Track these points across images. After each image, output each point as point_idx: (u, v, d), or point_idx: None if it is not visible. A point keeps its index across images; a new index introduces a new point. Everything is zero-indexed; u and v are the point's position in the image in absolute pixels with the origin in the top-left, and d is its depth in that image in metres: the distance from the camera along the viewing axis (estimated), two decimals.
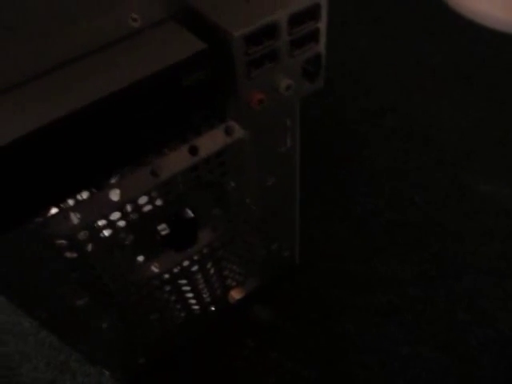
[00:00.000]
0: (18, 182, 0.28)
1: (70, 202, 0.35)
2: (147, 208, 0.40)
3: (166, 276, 0.49)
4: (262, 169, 0.48)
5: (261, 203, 0.52)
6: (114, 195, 0.37)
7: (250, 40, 0.30)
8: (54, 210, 0.35)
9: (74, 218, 0.36)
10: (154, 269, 0.47)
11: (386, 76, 0.96)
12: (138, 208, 0.39)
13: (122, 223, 0.39)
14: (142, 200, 0.39)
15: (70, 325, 0.45)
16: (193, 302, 0.57)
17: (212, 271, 0.55)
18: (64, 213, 0.35)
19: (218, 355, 0.63)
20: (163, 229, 0.44)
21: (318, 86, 0.37)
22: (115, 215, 0.38)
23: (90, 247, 0.39)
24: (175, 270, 0.49)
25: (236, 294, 0.65)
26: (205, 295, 0.58)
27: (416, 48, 1.01)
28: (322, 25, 0.33)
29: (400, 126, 0.88)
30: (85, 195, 0.36)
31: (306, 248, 0.70)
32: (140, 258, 0.45)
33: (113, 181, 0.36)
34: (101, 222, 0.38)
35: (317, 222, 0.74)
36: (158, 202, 0.41)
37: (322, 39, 0.34)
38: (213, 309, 0.61)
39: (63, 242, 0.37)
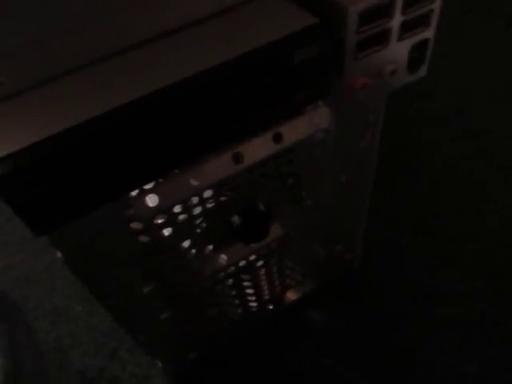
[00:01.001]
0: (102, 161, 0.26)
1: (150, 184, 0.34)
2: (224, 196, 0.38)
3: (232, 269, 0.47)
4: (338, 163, 0.45)
5: (332, 201, 0.49)
6: (194, 180, 0.35)
7: (363, 17, 0.27)
8: (134, 192, 0.33)
9: (153, 201, 0.34)
10: (222, 260, 0.45)
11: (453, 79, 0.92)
12: (215, 195, 0.37)
13: (198, 210, 0.37)
14: (220, 187, 0.37)
15: (134, 312, 0.44)
16: (252, 298, 0.55)
17: (274, 268, 0.53)
18: (143, 195, 0.34)
19: (270, 356, 0.61)
20: (235, 220, 0.42)
21: (420, 74, 0.34)
22: (192, 201, 0.37)
23: (164, 232, 0.37)
24: (241, 264, 0.47)
25: (292, 295, 0.62)
26: (264, 292, 0.56)
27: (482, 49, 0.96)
28: (437, 6, 0.30)
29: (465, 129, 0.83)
30: (165, 178, 0.34)
31: (367, 253, 0.67)
32: (209, 248, 0.43)
33: (194, 163, 0.34)
34: (178, 207, 0.36)
35: (380, 228, 0.71)
36: (235, 191, 0.39)
37: (434, 23, 0.31)
38: (270, 307, 0.59)
39: (140, 224, 0.35)
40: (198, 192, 0.36)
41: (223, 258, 0.45)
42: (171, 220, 0.36)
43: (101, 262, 0.36)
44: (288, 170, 0.41)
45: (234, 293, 0.52)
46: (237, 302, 0.54)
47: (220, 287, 0.49)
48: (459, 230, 0.71)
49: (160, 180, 0.34)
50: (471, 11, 1.04)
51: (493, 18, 1.03)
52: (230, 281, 0.49)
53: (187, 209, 0.37)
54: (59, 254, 0.33)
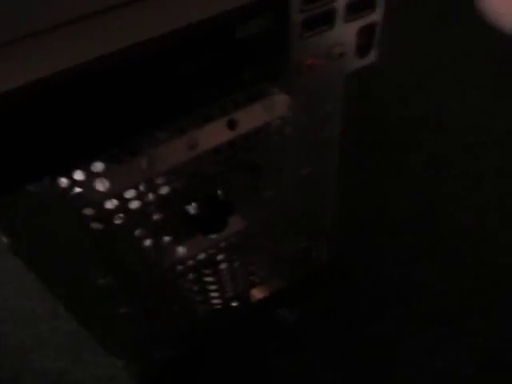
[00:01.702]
0: (42, 129, 0.25)
1: (99, 166, 0.33)
2: (179, 183, 0.38)
3: (191, 262, 0.46)
4: (298, 155, 0.45)
5: (294, 194, 0.49)
6: (146, 163, 0.34)
7: None
8: (81, 175, 0.33)
9: (103, 185, 0.34)
10: (180, 252, 0.44)
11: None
12: (169, 181, 0.37)
13: (151, 196, 0.37)
14: (175, 173, 0.37)
15: (89, 306, 0.43)
16: (214, 294, 0.54)
17: (237, 264, 0.53)
18: (93, 179, 0.33)
19: (238, 356, 0.60)
20: (192, 208, 0.41)
21: (370, 59, 0.34)
22: (145, 186, 0.36)
23: (117, 219, 0.36)
24: (200, 257, 0.47)
25: (258, 293, 0.62)
26: (227, 289, 0.55)
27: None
28: None
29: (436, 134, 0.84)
30: (115, 161, 0.33)
31: (336, 250, 0.66)
32: (166, 239, 0.42)
33: (146, 147, 0.34)
34: (130, 193, 0.36)
35: (349, 223, 0.71)
36: (191, 178, 0.38)
37: (380, 8, 0.32)
38: (235, 305, 0.58)
39: (90, 210, 0.34)
40: (151, 177, 0.36)
41: (181, 249, 0.45)
42: (123, 206, 0.36)
43: (50, 249, 0.35)
44: (246, 159, 0.41)
45: (195, 288, 0.51)
46: (200, 298, 0.53)
47: (181, 282, 0.48)
48: (437, 228, 0.71)
49: (111, 163, 0.33)
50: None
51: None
52: (191, 275, 0.49)
53: (140, 195, 0.36)
54: (4, 240, 0.32)
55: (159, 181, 0.36)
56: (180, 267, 0.46)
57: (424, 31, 1.00)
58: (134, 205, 0.37)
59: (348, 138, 0.50)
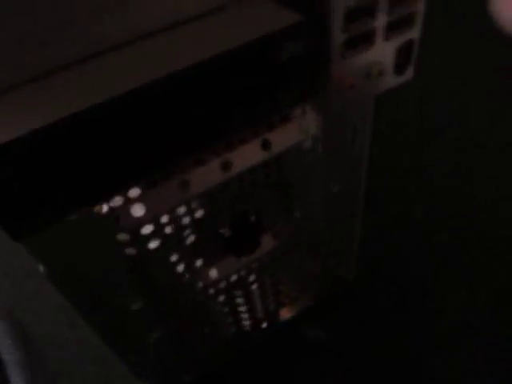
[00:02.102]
0: (81, 157, 0.25)
1: (136, 191, 0.33)
2: (213, 205, 0.37)
3: (223, 284, 0.46)
4: (328, 173, 0.45)
5: (324, 212, 0.49)
6: (180, 187, 0.34)
7: (348, 15, 0.27)
8: (119, 200, 0.32)
9: (139, 211, 0.33)
10: (212, 275, 0.44)
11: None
12: (203, 204, 0.36)
13: (186, 220, 0.36)
14: (209, 196, 0.36)
15: (122, 331, 0.42)
16: (245, 316, 0.53)
17: (267, 283, 0.52)
18: (129, 204, 0.33)
19: (267, 377, 0.59)
20: (225, 231, 0.41)
21: (406, 77, 0.34)
22: (180, 211, 0.36)
23: (151, 244, 0.36)
24: (232, 279, 0.46)
25: (287, 312, 0.61)
26: (257, 310, 0.54)
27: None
28: (420, 8, 0.30)
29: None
30: (150, 186, 0.33)
31: (363, 266, 0.65)
32: (199, 262, 0.42)
33: (180, 170, 0.33)
34: (165, 218, 0.35)
35: (375, 239, 0.70)
36: (225, 200, 0.38)
37: (418, 24, 0.31)
38: (264, 326, 0.57)
39: (125, 236, 0.34)
40: (186, 201, 0.35)
41: (214, 272, 0.44)
42: (158, 231, 0.35)
43: (85, 276, 0.35)
44: (278, 179, 0.40)
45: (226, 310, 0.50)
46: (230, 319, 0.52)
47: (212, 304, 0.48)
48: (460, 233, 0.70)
49: (146, 188, 0.33)
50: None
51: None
52: (222, 297, 0.48)
53: (175, 219, 0.36)
54: (41, 268, 0.32)
55: (194, 204, 0.36)
56: (212, 289, 0.45)
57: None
58: (169, 229, 0.36)
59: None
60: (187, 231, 0.38)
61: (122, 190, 0.31)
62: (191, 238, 0.39)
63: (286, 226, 0.47)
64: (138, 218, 0.33)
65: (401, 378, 0.58)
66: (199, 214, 0.37)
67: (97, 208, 0.31)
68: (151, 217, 0.34)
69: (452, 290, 0.65)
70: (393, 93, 0.35)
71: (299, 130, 0.38)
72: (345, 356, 0.60)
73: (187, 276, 0.41)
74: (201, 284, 0.44)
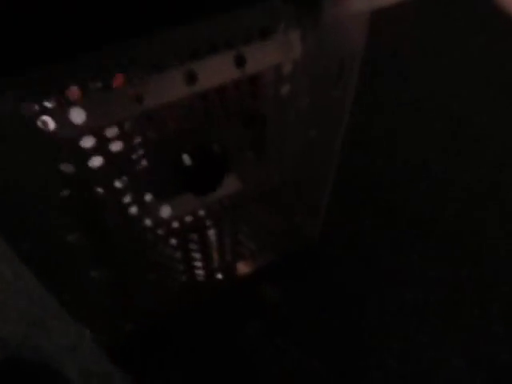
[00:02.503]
0: None
1: (75, 92, 0.27)
2: (172, 126, 0.32)
3: (176, 224, 0.41)
4: (307, 112, 0.40)
5: (297, 158, 0.44)
6: (134, 94, 0.28)
7: None
8: (52, 102, 0.26)
9: (79, 116, 0.28)
10: (164, 212, 0.39)
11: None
12: (161, 121, 0.31)
13: (137, 139, 0.31)
14: (168, 112, 0.31)
15: (55, 265, 0.37)
16: (198, 264, 0.49)
17: (226, 232, 0.47)
18: (67, 106, 0.27)
19: (217, 332, 0.55)
20: (185, 159, 0.35)
21: None
22: (131, 124, 0.30)
23: (92, 162, 0.30)
24: (187, 219, 0.41)
25: (245, 267, 0.57)
26: (213, 259, 0.50)
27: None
28: None
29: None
30: (96, 86, 0.27)
31: (328, 229, 0.62)
32: (150, 195, 0.37)
33: (135, 74, 0.28)
34: (111, 131, 0.30)
35: (344, 205, 0.66)
36: (186, 122, 0.32)
37: None
38: (219, 277, 0.53)
39: (61, 147, 0.28)
40: (139, 113, 0.29)
41: (166, 209, 0.39)
42: (101, 146, 0.30)
43: (10, 193, 0.29)
44: (250, 108, 0.35)
45: (178, 255, 0.45)
46: (181, 266, 0.48)
47: (161, 246, 0.43)
48: (427, 215, 0.67)
49: (89, 91, 0.27)
50: None
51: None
52: (174, 239, 0.43)
53: (124, 135, 0.30)
54: None
55: (149, 119, 0.30)
56: (162, 229, 0.40)
57: None
58: (116, 146, 0.30)
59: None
60: (138, 153, 0.32)
61: (58, 87, 0.26)
62: (142, 163, 0.33)
63: (254, 169, 0.42)
64: (77, 126, 0.28)
65: (348, 345, 0.55)
66: (153, 134, 0.31)
67: (27, 106, 0.26)
68: (93, 127, 0.28)
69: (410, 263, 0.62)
70: None
71: (280, 49, 0.32)
72: (294, 322, 0.57)
73: (134, 209, 0.36)
74: (150, 221, 0.38)
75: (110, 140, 0.30)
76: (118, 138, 0.30)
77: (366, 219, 0.66)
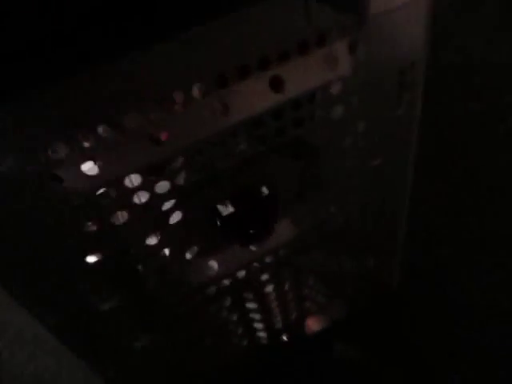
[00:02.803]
0: None
1: (87, 141, 0.23)
2: (205, 168, 0.27)
3: (226, 282, 0.35)
4: (366, 139, 0.34)
5: (359, 192, 0.38)
6: (155, 132, 0.24)
7: None
8: (64, 149, 0.23)
9: (93, 167, 0.24)
10: (211, 268, 0.34)
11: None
12: (190, 164, 0.26)
13: (165, 185, 0.26)
14: (198, 152, 0.26)
15: (92, 339, 0.32)
16: (260, 325, 0.43)
17: (287, 285, 0.41)
18: (77, 160, 0.23)
19: None
20: (224, 208, 0.30)
21: None
22: (155, 170, 0.26)
23: (118, 217, 0.26)
24: (239, 275, 0.35)
25: (314, 323, 0.50)
26: (275, 318, 0.43)
27: None
28: None
29: None
30: (107, 131, 0.23)
31: (407, 272, 0.53)
32: (191, 250, 0.32)
33: (157, 110, 0.23)
34: (133, 179, 0.25)
35: (422, 242, 0.57)
36: (221, 162, 0.27)
37: None
38: (285, 339, 0.46)
39: (79, 202, 0.24)
40: (163, 156, 0.25)
41: (213, 264, 0.34)
42: (125, 198, 0.25)
43: (34, 261, 0.25)
44: (296, 138, 0.29)
45: (235, 316, 0.40)
46: (241, 329, 0.42)
47: (215, 308, 0.37)
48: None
49: (101, 133, 0.23)
50: None
51: None
52: (227, 299, 0.38)
53: (147, 183, 0.26)
54: None
55: (176, 162, 0.26)
56: (212, 288, 0.35)
57: None
58: (140, 197, 0.26)
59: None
60: (167, 203, 0.28)
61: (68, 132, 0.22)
62: (176, 215, 0.29)
63: (311, 210, 0.36)
64: (91, 176, 0.24)
65: None
66: (183, 178, 0.27)
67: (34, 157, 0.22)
68: (110, 175, 0.24)
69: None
70: None
71: (323, 64, 0.27)
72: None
73: (175, 268, 0.31)
74: (196, 280, 0.33)
75: (131, 190, 0.25)
76: (140, 187, 0.25)
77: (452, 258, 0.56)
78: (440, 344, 0.50)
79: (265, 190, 0.31)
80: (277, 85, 0.26)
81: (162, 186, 0.26)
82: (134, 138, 0.23)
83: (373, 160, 0.36)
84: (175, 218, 0.29)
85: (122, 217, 0.26)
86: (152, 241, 0.29)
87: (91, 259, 0.28)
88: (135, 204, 0.26)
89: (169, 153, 0.25)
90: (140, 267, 0.29)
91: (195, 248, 0.32)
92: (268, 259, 0.36)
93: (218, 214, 0.30)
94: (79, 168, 0.23)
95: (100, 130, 0.22)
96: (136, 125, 0.23)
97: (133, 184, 0.25)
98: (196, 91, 0.24)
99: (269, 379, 0.47)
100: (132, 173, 0.25)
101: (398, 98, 0.33)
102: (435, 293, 0.54)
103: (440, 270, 0.55)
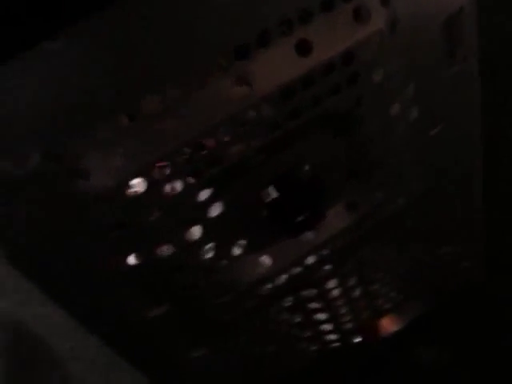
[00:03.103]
0: None
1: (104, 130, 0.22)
2: (238, 150, 0.25)
3: (282, 279, 0.32)
4: (417, 105, 0.30)
5: (420, 168, 0.34)
6: (179, 113, 0.23)
7: None
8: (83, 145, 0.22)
9: (117, 159, 0.22)
10: (263, 264, 0.31)
11: None
12: (220, 149, 0.24)
13: (199, 173, 0.25)
14: (224, 132, 0.24)
15: (145, 349, 0.31)
16: (327, 327, 0.39)
17: (353, 281, 0.37)
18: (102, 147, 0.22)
19: None
20: (269, 193, 0.28)
21: None
22: (184, 158, 0.24)
23: (149, 214, 0.25)
24: (295, 271, 0.33)
25: (390, 324, 0.45)
26: (345, 319, 0.40)
27: None
28: None
29: None
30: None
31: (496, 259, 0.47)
32: (238, 245, 0.30)
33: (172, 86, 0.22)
34: (161, 170, 0.24)
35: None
36: (253, 141, 0.25)
37: None
38: (358, 340, 0.42)
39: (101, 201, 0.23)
40: (191, 139, 0.23)
41: (265, 260, 0.31)
42: (154, 192, 0.24)
43: (62, 262, 0.24)
44: (335, 107, 0.27)
45: (298, 319, 0.37)
46: (307, 333, 0.39)
47: (274, 310, 0.35)
48: None
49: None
50: None
51: None
52: (288, 301, 0.35)
53: (177, 171, 0.24)
54: None
55: (207, 145, 0.24)
56: (267, 287, 0.32)
57: None
58: (172, 188, 0.25)
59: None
60: (206, 193, 0.26)
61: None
62: (216, 207, 0.27)
63: (365, 191, 0.32)
64: (117, 169, 0.22)
65: None
66: (217, 166, 0.25)
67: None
68: (138, 165, 0.23)
69: None
70: None
71: (353, 21, 0.24)
72: None
73: (222, 267, 0.29)
74: (247, 279, 0.31)
75: (159, 181, 0.24)
76: (170, 176, 0.24)
77: None
78: None
79: (309, 172, 0.28)
80: (305, 49, 0.24)
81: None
82: None
83: (431, 129, 0.32)
84: (213, 209, 0.27)
85: (152, 212, 0.25)
86: (193, 235, 0.27)
87: (131, 262, 0.26)
88: (165, 195, 0.24)
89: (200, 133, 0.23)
90: (181, 269, 0.28)
91: (243, 242, 0.30)
92: (325, 251, 0.33)
93: (262, 201, 0.28)
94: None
95: None
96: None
97: (161, 174, 0.23)
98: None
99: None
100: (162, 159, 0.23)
101: (448, 53, 0.29)
102: None
103: None
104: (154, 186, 0.23)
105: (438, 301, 0.46)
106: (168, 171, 0.24)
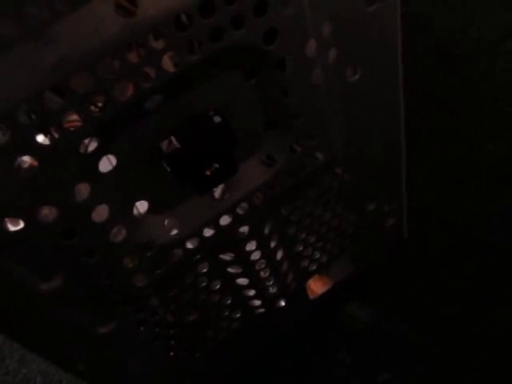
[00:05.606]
0: None
1: None
2: (126, 89, 0.21)
3: (194, 242, 0.29)
4: (335, 46, 0.28)
5: (342, 119, 0.31)
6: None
7: None
8: None
9: None
10: (169, 227, 0.28)
11: None
12: (107, 85, 0.21)
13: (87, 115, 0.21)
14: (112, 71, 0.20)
15: (48, 329, 0.27)
16: (250, 293, 0.37)
17: (274, 242, 0.35)
18: None
19: (300, 378, 0.42)
20: (168, 144, 0.25)
21: None
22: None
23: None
24: (207, 234, 0.30)
25: (318, 286, 0.44)
26: (268, 283, 0.38)
27: None
28: None
29: None
30: None
31: (418, 215, 0.47)
32: (138, 206, 0.26)
33: None
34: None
35: (431, 181, 0.51)
36: (149, 82, 0.22)
37: None
38: (282, 304, 0.40)
39: None
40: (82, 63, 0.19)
41: (172, 222, 0.28)
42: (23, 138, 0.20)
43: None
44: (243, 45, 0.23)
45: (217, 285, 0.34)
46: (228, 300, 0.36)
47: (190, 276, 0.32)
48: None
49: None
50: None
51: None
52: (204, 265, 0.32)
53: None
54: None
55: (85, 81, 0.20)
56: (178, 252, 0.29)
57: None
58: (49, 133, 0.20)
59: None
60: (90, 144, 0.22)
61: None
62: (108, 161, 0.23)
63: (281, 146, 0.30)
64: None
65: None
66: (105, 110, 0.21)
67: None
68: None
69: None
70: None
71: None
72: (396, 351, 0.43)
73: (121, 230, 0.26)
74: (152, 244, 0.28)
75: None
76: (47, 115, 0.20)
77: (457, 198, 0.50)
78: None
79: (216, 119, 0.25)
80: None
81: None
82: None
83: (350, 75, 0.30)
84: (106, 163, 0.23)
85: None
86: (81, 195, 0.23)
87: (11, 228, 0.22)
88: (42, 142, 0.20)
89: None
90: (74, 233, 0.24)
91: (145, 203, 0.26)
92: (241, 210, 0.30)
93: (162, 153, 0.24)
94: None
95: None
96: None
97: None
98: None
99: (271, 354, 0.42)
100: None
101: None
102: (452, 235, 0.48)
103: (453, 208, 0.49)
104: (23, 129, 0.19)
105: (365, 261, 0.45)
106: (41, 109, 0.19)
